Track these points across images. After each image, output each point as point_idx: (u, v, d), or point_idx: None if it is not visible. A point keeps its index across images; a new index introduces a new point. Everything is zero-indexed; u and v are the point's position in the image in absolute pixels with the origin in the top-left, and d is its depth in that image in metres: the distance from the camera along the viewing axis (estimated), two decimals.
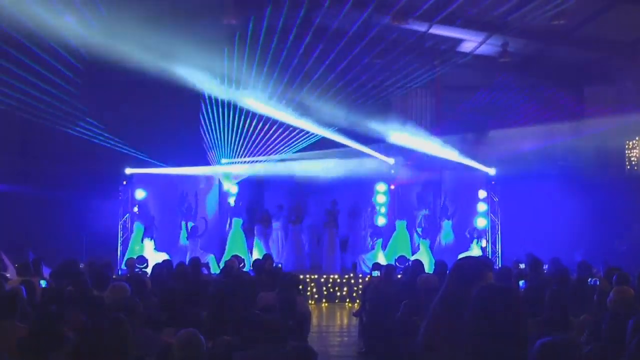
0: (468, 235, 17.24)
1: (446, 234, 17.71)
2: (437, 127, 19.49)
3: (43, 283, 8.46)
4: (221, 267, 11.19)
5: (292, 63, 19.13)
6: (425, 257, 15.44)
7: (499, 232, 17.68)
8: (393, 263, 15.97)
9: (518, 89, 18.92)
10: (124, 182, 17.32)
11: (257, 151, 17.38)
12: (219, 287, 7.47)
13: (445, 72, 19.98)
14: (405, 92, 19.99)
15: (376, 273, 10.74)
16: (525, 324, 2.92)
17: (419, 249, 17.13)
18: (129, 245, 16.96)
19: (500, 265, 15.57)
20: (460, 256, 16.27)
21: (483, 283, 3.18)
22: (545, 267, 10.36)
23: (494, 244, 17.74)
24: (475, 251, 16.74)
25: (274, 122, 17.20)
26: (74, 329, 5.21)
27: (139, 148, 16.73)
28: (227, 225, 17.91)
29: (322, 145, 18.00)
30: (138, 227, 17.11)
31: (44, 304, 6.78)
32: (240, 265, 12.93)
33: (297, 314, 7.15)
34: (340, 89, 18.11)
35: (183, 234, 17.17)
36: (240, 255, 12.68)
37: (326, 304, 15.94)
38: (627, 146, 18.09)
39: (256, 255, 16.16)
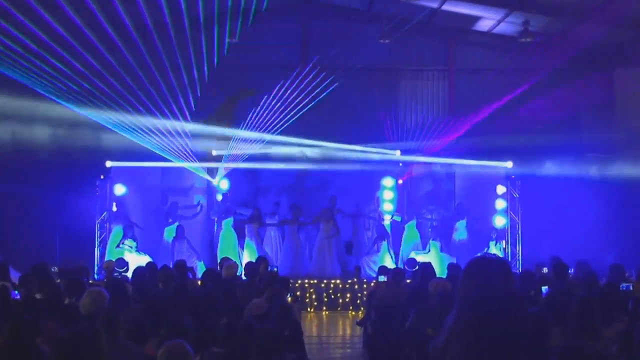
0: (494, 237, 17.20)
1: (460, 234, 17.68)
2: (450, 113, 19.49)
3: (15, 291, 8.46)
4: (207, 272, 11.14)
5: (288, 41, 19.16)
6: (436, 260, 15.42)
7: (520, 232, 17.67)
8: (401, 266, 16.03)
9: (540, 72, 18.89)
10: (102, 177, 17.30)
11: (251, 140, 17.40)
12: (208, 294, 7.46)
13: (460, 53, 19.98)
14: (415, 75, 19.99)
15: (382, 278, 10.75)
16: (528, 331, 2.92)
17: (429, 250, 17.10)
18: (107, 246, 16.96)
19: (521, 269, 15.59)
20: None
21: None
22: (571, 271, 10.36)
23: (514, 245, 17.73)
24: (494, 252, 16.73)
25: (271, 106, 17.23)
26: (49, 342, 5.21)
27: (121, 138, 16.70)
28: (215, 225, 17.93)
29: (321, 135, 18.02)
30: (117, 227, 17.10)
31: (16, 313, 6.78)
32: None
33: (292, 323, 7.16)
34: (343, 71, 18.09)
35: (168, 233, 17.16)
36: (231, 258, 12.66)
37: (327, 312, 15.96)
38: None
39: (248, 257, 16.16)
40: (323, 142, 17.96)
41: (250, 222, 17.17)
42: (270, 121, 17.35)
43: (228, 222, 17.35)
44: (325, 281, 16.25)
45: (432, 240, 17.15)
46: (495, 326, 2.88)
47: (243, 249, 17.21)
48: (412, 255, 16.68)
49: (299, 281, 15.95)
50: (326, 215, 17.22)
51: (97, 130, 16.61)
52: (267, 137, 17.49)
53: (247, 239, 17.14)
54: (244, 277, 11.41)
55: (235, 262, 11.45)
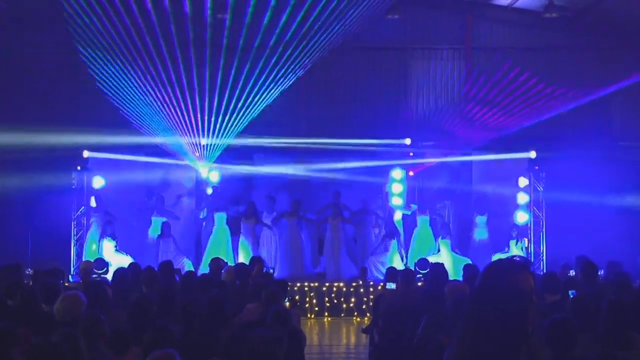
0: (514, 235, 17.16)
1: (481, 233, 17.66)
2: (466, 96, 19.46)
3: None
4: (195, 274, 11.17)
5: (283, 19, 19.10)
6: (447, 261, 15.41)
7: (544, 230, 17.67)
8: (412, 267, 16.04)
9: (567, 51, 18.87)
10: (78, 168, 17.30)
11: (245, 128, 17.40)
12: (213, 300, 7.46)
13: (478, 30, 19.94)
14: (427, 54, 19.95)
15: (391, 285, 10.74)
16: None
17: (438, 250, 17.07)
18: (85, 245, 16.99)
19: (545, 271, 15.61)
20: (496, 257, 16.26)
21: (520, 291, 3.21)
22: (601, 272, 10.38)
23: (537, 244, 17.72)
24: (515, 253, 16.71)
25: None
26: (22, 352, 5.23)
27: (100, 126, 16.72)
28: (204, 221, 17.96)
29: (322, 123, 18.04)
30: (96, 223, 17.12)
31: None
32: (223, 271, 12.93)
33: (291, 330, 7.18)
34: (345, 50, 18.04)
35: (153, 231, 17.19)
36: (223, 259, 12.69)
37: (329, 319, 15.99)
38: None
39: (242, 258, 16.20)
40: (324, 137, 17.93)
41: (246, 218, 17.16)
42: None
43: (221, 218, 17.36)
44: (327, 284, 16.27)
45: (442, 238, 17.10)
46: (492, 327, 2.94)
47: (235, 248, 17.23)
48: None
49: (298, 284, 15.98)
50: (334, 212, 17.25)
51: (73, 115, 16.62)
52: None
53: (241, 238, 17.15)
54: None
55: (227, 263, 11.47)
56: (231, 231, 17.42)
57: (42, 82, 18.19)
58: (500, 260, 3.42)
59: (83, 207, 17.36)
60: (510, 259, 3.40)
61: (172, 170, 18.16)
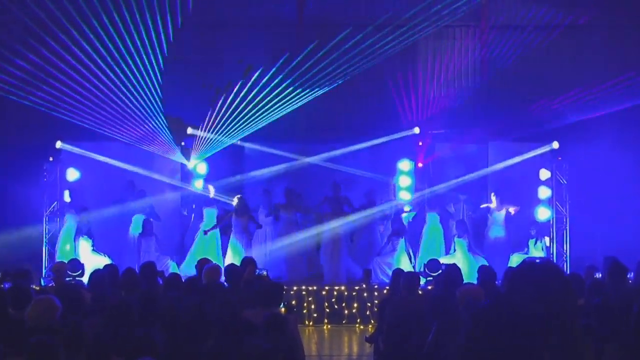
0: (533, 233, 17.15)
1: (497, 231, 17.66)
2: (481, 80, 19.45)
3: None
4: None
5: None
6: (462, 262, 15.43)
7: (567, 227, 17.69)
8: (421, 269, 16.08)
9: (595, 31, 18.83)
10: (50, 159, 17.29)
11: (238, 118, 17.42)
12: (196, 307, 7.49)
13: (495, 5, 19.89)
14: (438, 33, 19.91)
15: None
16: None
17: (454, 250, 17.09)
18: (58, 244, 17.00)
19: (568, 273, 15.65)
20: (514, 258, 16.18)
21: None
22: (631, 275, 10.40)
23: (560, 243, 17.75)
24: (535, 254, 16.74)
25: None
26: None
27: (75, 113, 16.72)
28: (193, 218, 17.98)
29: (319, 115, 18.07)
30: (70, 220, 17.13)
31: None
32: None
33: (288, 338, 7.21)
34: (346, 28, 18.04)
35: (134, 229, 17.22)
36: (211, 260, 12.71)
37: (329, 326, 16.01)
38: None
39: (232, 259, 16.21)
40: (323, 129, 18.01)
41: (237, 215, 17.17)
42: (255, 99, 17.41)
43: (211, 214, 17.40)
44: (327, 288, 16.28)
45: (457, 237, 17.10)
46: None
47: (226, 248, 17.26)
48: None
49: (295, 287, 15.99)
50: (333, 206, 17.24)
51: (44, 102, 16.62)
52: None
53: (232, 236, 17.15)
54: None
55: (217, 264, 11.48)
56: (221, 231, 17.44)
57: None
58: (550, 266, 3.41)
59: (56, 203, 17.37)
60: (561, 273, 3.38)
61: (156, 161, 18.18)
